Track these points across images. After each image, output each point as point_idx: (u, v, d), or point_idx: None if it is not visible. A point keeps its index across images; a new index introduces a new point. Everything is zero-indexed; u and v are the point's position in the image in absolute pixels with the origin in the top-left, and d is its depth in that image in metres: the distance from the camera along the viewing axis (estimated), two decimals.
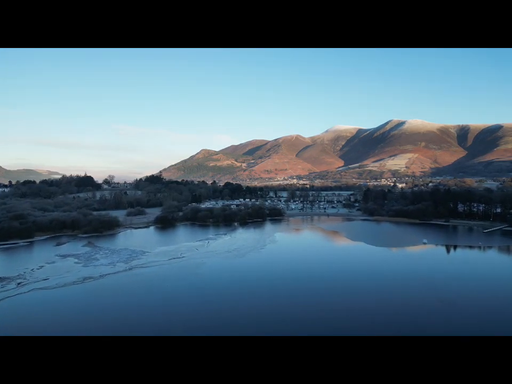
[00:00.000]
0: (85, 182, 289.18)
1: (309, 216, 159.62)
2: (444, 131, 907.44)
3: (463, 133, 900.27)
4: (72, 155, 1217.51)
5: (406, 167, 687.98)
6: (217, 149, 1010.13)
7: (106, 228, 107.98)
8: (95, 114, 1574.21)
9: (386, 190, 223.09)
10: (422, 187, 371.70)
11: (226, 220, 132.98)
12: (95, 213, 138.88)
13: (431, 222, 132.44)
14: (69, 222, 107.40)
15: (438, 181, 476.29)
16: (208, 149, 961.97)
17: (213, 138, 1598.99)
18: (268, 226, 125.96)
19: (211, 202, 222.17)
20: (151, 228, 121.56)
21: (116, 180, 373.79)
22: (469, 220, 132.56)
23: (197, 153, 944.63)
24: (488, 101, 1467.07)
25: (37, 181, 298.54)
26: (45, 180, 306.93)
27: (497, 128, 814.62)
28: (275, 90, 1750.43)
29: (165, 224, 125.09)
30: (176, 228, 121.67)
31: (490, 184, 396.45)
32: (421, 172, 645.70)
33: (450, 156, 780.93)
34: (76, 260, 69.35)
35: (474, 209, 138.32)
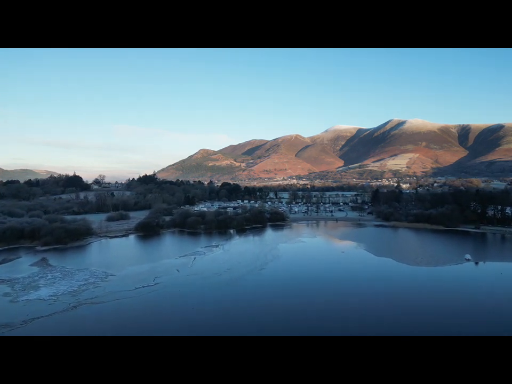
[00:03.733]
0: (73, 182, 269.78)
1: (314, 221, 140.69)
2: (444, 131, 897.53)
3: (464, 132, 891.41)
4: (71, 155, 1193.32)
5: (407, 167, 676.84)
6: (216, 149, 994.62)
7: (73, 238, 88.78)
8: (94, 114, 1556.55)
9: (397, 191, 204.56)
10: (427, 187, 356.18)
11: (220, 227, 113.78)
12: (69, 217, 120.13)
13: (457, 228, 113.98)
14: (28, 230, 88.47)
15: (442, 181, 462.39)
16: (207, 148, 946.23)
17: (211, 138, 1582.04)
18: (269, 235, 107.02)
19: (206, 205, 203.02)
20: (131, 236, 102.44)
21: (108, 180, 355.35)
22: (502, 226, 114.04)
23: (196, 153, 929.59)
24: (489, 101, 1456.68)
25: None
26: (30, 179, 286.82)
27: (499, 127, 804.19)
28: (274, 90, 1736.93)
29: (147, 231, 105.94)
30: (160, 237, 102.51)
31: (497, 184, 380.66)
32: (422, 172, 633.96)
33: (452, 155, 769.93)
34: (8, 290, 50.32)
35: (507, 214, 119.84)
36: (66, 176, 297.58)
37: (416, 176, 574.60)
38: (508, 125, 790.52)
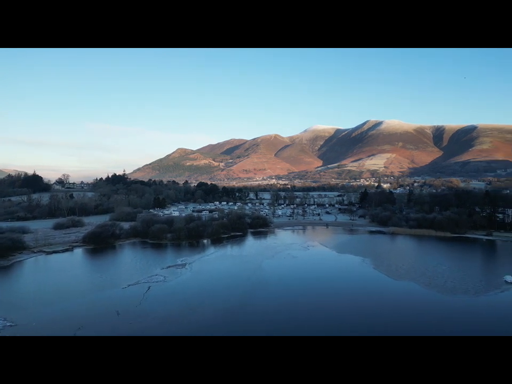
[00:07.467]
0: (31, 182, 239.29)
1: (301, 227, 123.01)
2: (420, 131, 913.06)
3: (438, 133, 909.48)
4: (44, 154, 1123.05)
5: (384, 167, 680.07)
6: (194, 148, 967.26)
7: None
8: (68, 112, 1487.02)
9: (387, 191, 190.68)
10: (408, 187, 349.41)
11: (191, 236, 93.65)
12: (5, 225, 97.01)
13: (466, 235, 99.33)
14: None
15: (421, 181, 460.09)
16: (185, 148, 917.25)
17: (190, 137, 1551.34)
18: (251, 247, 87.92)
19: (179, 207, 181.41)
20: (77, 250, 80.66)
21: (80, 180, 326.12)
22: None
23: (173, 152, 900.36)
24: (462, 102, 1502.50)
25: None
26: None
27: (472, 128, 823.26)
28: (254, 89, 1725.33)
29: (98, 244, 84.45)
30: (114, 251, 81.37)
31: (476, 184, 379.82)
32: (400, 171, 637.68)
33: (427, 156, 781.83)
34: None
35: None
36: (25, 175, 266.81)
37: (394, 176, 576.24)
38: (480, 126, 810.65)
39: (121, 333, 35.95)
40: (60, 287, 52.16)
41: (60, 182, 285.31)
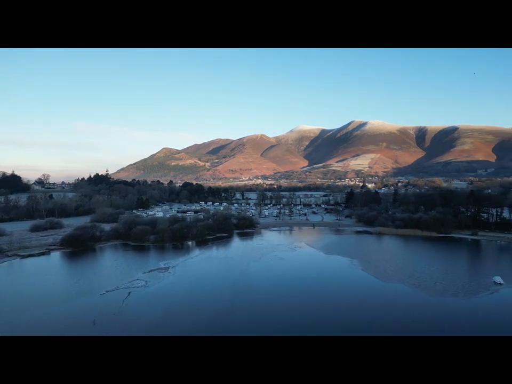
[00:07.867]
0: (9, 183, 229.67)
1: (288, 228, 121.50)
2: (403, 132, 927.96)
3: (421, 134, 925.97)
4: (24, 153, 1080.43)
5: (369, 167, 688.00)
6: (179, 148, 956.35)
7: None
8: (49, 109, 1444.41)
9: (373, 191, 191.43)
10: (392, 187, 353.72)
11: (175, 238, 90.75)
12: None
13: (452, 235, 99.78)
14: None
15: (405, 180, 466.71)
16: (170, 147, 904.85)
17: (175, 137, 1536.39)
18: (237, 248, 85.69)
19: (163, 208, 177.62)
20: (54, 254, 76.66)
21: (55, 180, 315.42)
22: (501, 231, 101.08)
23: (158, 152, 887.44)
24: (444, 103, 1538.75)
25: None
26: None
27: (453, 129, 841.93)
28: (240, 89, 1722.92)
29: (77, 247, 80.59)
30: (94, 254, 77.83)
31: (458, 184, 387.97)
32: (384, 172, 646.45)
33: (410, 156, 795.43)
34: None
35: (505, 217, 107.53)
36: (3, 175, 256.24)
37: (378, 176, 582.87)
38: (461, 126, 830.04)
39: None
40: (33, 294, 48.69)
41: (40, 182, 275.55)
